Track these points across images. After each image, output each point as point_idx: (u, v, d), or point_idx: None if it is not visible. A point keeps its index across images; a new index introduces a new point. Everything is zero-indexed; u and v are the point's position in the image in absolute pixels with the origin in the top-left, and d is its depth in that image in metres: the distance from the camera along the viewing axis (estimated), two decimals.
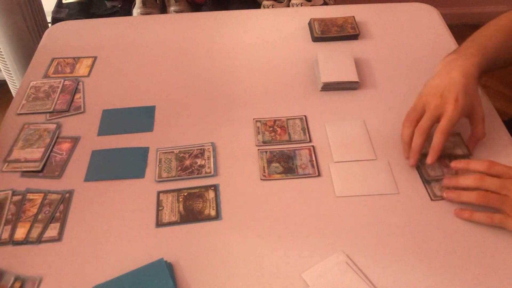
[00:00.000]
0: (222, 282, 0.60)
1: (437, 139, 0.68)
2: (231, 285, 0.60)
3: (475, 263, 0.61)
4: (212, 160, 0.74)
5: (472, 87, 0.70)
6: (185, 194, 0.70)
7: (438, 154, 0.68)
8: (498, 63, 0.77)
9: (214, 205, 0.68)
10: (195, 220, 0.67)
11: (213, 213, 0.67)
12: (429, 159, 0.69)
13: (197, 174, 0.72)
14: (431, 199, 0.68)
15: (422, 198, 0.69)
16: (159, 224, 0.67)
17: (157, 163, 0.74)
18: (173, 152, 0.76)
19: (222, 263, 0.62)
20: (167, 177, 0.72)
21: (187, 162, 0.74)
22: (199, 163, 0.74)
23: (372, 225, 0.66)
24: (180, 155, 0.75)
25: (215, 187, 0.71)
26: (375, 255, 0.62)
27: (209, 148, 0.76)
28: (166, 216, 0.67)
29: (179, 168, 0.73)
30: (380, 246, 0.63)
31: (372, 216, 0.67)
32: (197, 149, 0.76)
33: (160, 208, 0.68)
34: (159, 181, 0.72)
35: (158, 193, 0.70)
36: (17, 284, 0.60)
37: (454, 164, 0.67)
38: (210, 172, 0.72)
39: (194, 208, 0.68)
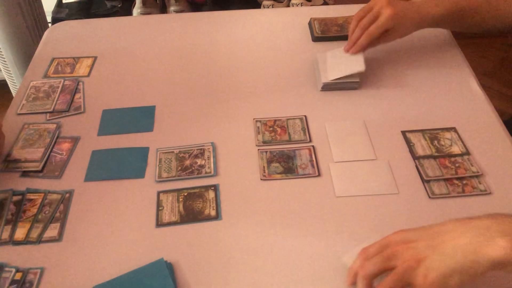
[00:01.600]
0: (222, 282, 0.60)
1: (362, 39, 0.83)
2: (231, 285, 0.60)
3: None
4: (212, 160, 0.74)
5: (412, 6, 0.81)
6: (185, 194, 0.70)
7: (357, 49, 0.84)
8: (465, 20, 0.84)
9: (214, 205, 0.68)
10: (195, 220, 0.67)
11: (213, 213, 0.67)
12: (346, 47, 0.85)
13: (197, 174, 0.72)
14: (429, 197, 0.68)
15: (422, 198, 0.69)
16: (159, 224, 0.67)
17: (157, 163, 0.74)
18: (173, 152, 0.76)
19: (222, 263, 0.62)
20: (167, 177, 0.72)
21: (187, 162, 0.74)
22: (199, 163, 0.74)
23: (372, 225, 0.66)
24: (180, 155, 0.75)
25: (215, 187, 0.71)
26: None
27: (209, 148, 0.76)
28: (166, 216, 0.67)
29: (179, 168, 0.73)
30: None
31: (372, 216, 0.67)
32: (197, 149, 0.76)
33: (160, 208, 0.68)
34: (159, 181, 0.72)
35: (158, 193, 0.70)
36: (18, 275, 0.60)
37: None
38: (210, 172, 0.72)
39: (194, 208, 0.68)
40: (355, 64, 0.84)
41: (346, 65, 0.86)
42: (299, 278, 0.60)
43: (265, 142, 0.77)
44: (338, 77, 0.85)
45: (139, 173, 0.73)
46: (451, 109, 0.82)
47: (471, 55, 0.82)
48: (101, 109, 0.84)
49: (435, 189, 0.69)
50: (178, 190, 0.70)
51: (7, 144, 0.78)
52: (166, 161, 0.74)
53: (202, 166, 0.73)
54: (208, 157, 0.75)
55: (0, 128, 0.74)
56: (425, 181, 0.70)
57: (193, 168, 0.73)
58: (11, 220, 0.67)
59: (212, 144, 0.77)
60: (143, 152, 0.76)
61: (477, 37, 1.96)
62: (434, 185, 0.70)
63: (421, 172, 0.71)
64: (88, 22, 1.11)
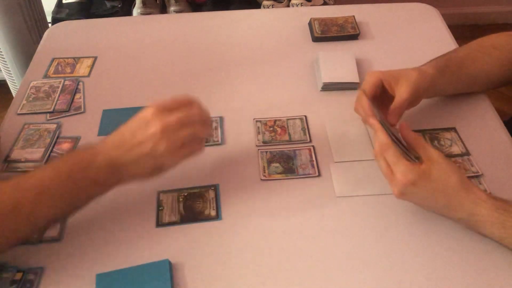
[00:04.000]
0: (221, 283, 0.60)
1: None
2: (231, 285, 0.60)
3: (476, 262, 0.61)
4: (219, 130, 0.76)
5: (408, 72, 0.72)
6: (185, 194, 0.70)
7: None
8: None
9: (214, 205, 0.68)
10: (195, 220, 0.67)
11: (213, 213, 0.67)
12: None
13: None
14: None
15: None
16: (160, 224, 0.66)
17: None
18: None
19: (221, 263, 0.62)
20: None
21: None
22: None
23: (372, 225, 0.66)
24: None
25: (215, 187, 0.71)
26: (375, 255, 0.62)
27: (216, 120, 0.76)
28: (167, 216, 0.67)
29: None
30: (380, 246, 0.63)
31: (372, 216, 0.67)
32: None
33: (160, 208, 0.68)
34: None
35: (159, 193, 0.70)
36: (19, 275, 0.60)
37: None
38: (217, 141, 0.72)
39: (195, 208, 0.68)
40: (351, 74, 0.86)
41: (341, 72, 0.87)
42: (299, 278, 0.60)
43: (265, 142, 0.77)
44: (335, 81, 0.85)
45: None
46: (451, 109, 0.82)
47: None
48: (101, 109, 0.84)
49: None
50: (179, 190, 0.70)
51: (7, 144, 0.78)
52: None
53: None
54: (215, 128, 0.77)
55: None
56: None
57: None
58: None
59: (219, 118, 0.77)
60: None
61: (477, 37, 1.96)
62: None
63: None
64: (88, 22, 1.11)
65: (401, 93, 0.70)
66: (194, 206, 0.68)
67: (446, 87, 0.79)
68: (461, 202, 0.60)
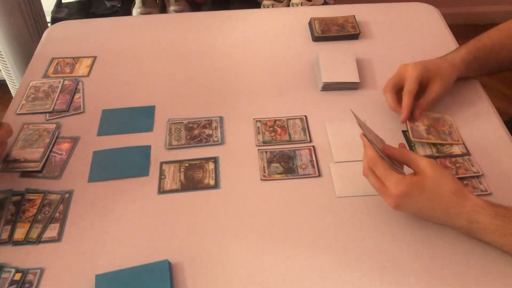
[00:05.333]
0: (221, 283, 0.60)
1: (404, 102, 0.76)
2: (231, 285, 0.60)
3: (476, 262, 0.61)
4: (219, 131, 0.74)
5: (436, 64, 0.78)
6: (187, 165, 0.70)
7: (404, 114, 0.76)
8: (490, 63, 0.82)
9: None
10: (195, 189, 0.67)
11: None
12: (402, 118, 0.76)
13: (205, 141, 0.72)
14: None
15: None
16: (161, 191, 0.66)
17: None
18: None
19: (221, 263, 0.62)
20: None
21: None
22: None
23: (372, 225, 0.66)
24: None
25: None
26: (375, 255, 0.62)
27: (216, 119, 0.76)
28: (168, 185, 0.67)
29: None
30: (380, 246, 0.63)
31: (372, 216, 0.67)
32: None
33: (162, 177, 0.68)
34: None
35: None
36: (18, 275, 0.60)
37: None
38: (218, 141, 0.72)
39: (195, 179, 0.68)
40: (351, 74, 0.86)
41: (341, 72, 0.87)
42: (299, 278, 0.60)
43: (265, 142, 0.77)
44: (335, 81, 0.85)
45: (143, 172, 0.73)
46: (452, 109, 0.82)
47: None
48: (100, 109, 0.84)
49: None
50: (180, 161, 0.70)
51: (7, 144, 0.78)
52: (176, 130, 0.75)
53: (209, 135, 0.74)
54: (216, 127, 0.76)
55: (7, 126, 0.72)
56: None
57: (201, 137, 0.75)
58: (10, 220, 0.67)
59: (220, 117, 0.77)
60: (146, 151, 0.76)
61: None
62: None
63: None
64: (88, 22, 1.10)
65: (434, 89, 0.76)
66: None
67: (472, 74, 0.84)
68: (458, 210, 0.59)
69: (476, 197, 0.60)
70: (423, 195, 0.60)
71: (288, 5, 1.45)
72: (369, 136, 0.64)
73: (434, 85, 0.76)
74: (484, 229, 0.59)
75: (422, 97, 0.77)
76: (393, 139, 0.77)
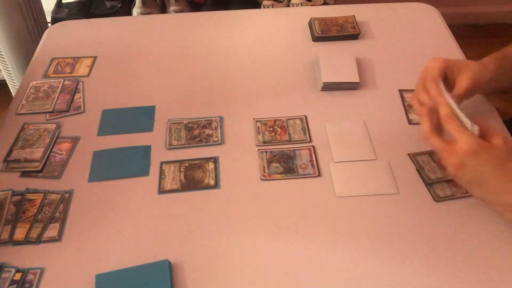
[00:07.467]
0: (221, 283, 0.60)
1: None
2: (230, 285, 0.60)
3: (478, 261, 0.61)
4: (219, 130, 0.75)
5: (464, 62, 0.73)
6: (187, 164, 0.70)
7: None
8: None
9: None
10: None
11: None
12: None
13: (205, 141, 0.72)
14: (435, 201, 0.68)
15: (422, 198, 0.69)
16: (161, 191, 0.67)
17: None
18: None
19: (222, 263, 0.62)
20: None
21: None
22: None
23: (372, 225, 0.66)
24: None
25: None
26: (375, 255, 0.62)
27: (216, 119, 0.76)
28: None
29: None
30: (380, 246, 0.63)
31: (372, 216, 0.67)
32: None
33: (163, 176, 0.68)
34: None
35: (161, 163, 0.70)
36: (18, 275, 0.60)
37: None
38: (218, 140, 0.72)
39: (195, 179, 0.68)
40: (351, 74, 0.86)
41: (341, 71, 0.87)
42: (299, 278, 0.60)
43: (265, 142, 0.77)
44: (335, 81, 0.85)
45: (143, 172, 0.73)
46: None
47: (472, 56, 0.82)
48: (101, 109, 0.84)
49: (439, 191, 0.69)
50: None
51: (7, 144, 0.78)
52: (176, 130, 0.74)
53: (209, 135, 0.74)
54: (216, 127, 0.75)
55: None
56: (428, 184, 0.70)
57: (201, 137, 0.74)
58: (10, 220, 0.67)
59: (220, 118, 0.77)
60: (146, 151, 0.76)
61: (477, 37, 1.96)
62: (437, 187, 0.69)
63: (423, 175, 0.71)
64: (88, 22, 1.11)
65: (462, 83, 0.71)
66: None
67: (504, 83, 0.78)
68: None
69: None
70: (491, 161, 0.58)
71: (288, 5, 1.45)
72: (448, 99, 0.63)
73: (461, 80, 0.71)
74: None
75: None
76: (392, 140, 0.77)
